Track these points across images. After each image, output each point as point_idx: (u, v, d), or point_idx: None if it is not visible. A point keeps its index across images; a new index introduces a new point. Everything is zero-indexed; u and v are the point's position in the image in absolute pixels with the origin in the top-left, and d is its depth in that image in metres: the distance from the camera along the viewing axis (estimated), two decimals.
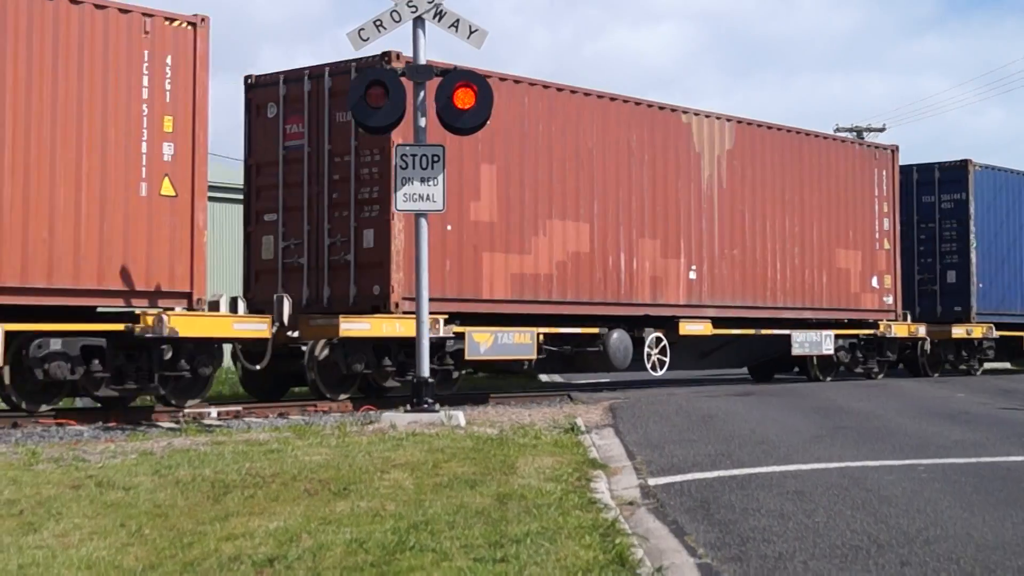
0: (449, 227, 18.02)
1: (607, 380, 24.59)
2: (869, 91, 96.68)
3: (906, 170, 28.64)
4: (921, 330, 26.51)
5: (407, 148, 14.06)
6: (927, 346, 27.84)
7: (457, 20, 14.26)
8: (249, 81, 18.99)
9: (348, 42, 14.40)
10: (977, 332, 27.89)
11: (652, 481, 9.30)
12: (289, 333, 17.25)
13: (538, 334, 19.18)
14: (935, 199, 28.30)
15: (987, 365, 30.50)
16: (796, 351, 23.55)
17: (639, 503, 8.35)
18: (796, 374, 26.01)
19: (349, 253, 17.77)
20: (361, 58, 17.69)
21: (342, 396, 17.71)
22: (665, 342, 21.23)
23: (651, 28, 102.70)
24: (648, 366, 20.94)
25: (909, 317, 26.98)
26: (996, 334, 28.35)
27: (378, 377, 17.87)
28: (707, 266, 21.92)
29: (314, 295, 18.09)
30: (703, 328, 21.75)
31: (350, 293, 17.76)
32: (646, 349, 20.91)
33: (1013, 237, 29.13)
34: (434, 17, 14.22)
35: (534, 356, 19.13)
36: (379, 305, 17.41)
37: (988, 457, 10.65)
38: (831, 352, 24.28)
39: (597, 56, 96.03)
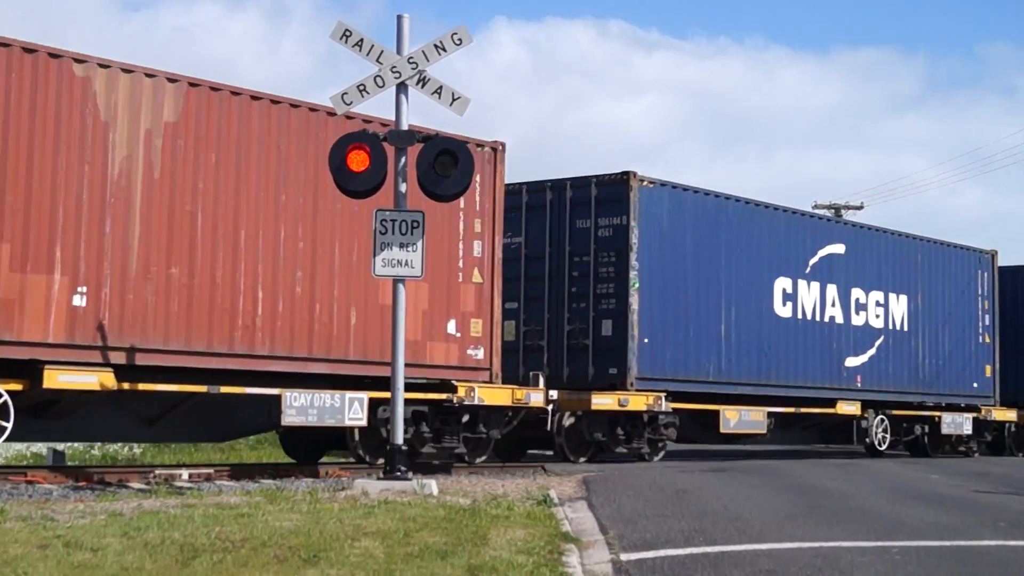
0: None
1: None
2: (849, 168, 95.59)
3: (559, 185, 21.74)
4: (535, 397, 19.33)
5: (387, 213, 13.95)
6: (564, 421, 20.73)
7: (440, 87, 14.20)
8: None
9: (331, 104, 14.40)
10: (638, 403, 20.71)
11: (624, 556, 9.44)
12: None
13: None
14: (591, 224, 21.29)
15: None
16: (290, 419, 16.31)
17: None
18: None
19: None
20: None
21: None
22: (7, 399, 14.04)
23: (633, 100, 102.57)
24: None
25: (541, 380, 19.91)
26: (669, 406, 21.20)
27: None
28: (114, 288, 14.80)
29: None
30: (96, 380, 14.57)
31: None
32: None
33: (702, 277, 22.04)
34: (417, 83, 14.18)
35: None
36: None
37: (962, 540, 10.85)
38: (361, 423, 17.09)
39: (579, 126, 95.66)
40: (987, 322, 29.19)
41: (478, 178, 18.66)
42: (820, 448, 28.33)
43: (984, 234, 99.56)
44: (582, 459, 20.83)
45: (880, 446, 26.02)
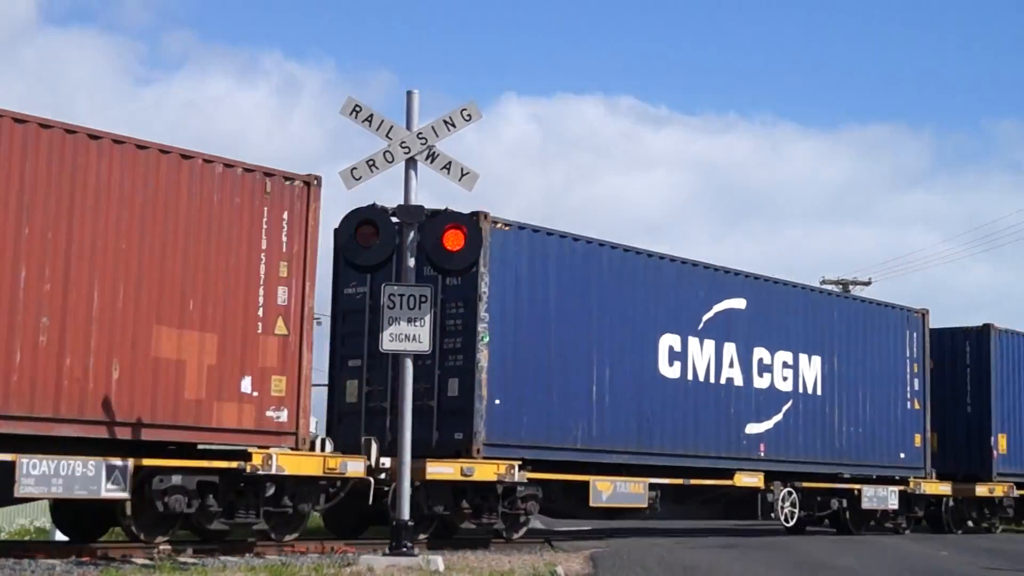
0: None
1: (589, 528, 22.52)
2: (857, 244, 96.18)
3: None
4: (353, 466, 16.87)
5: (395, 288, 14.03)
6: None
7: (449, 162, 14.26)
8: None
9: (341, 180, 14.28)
10: (486, 472, 18.25)
11: None
12: None
13: None
14: None
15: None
16: (27, 490, 13.86)
17: None
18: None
19: None
20: None
21: None
22: None
23: (642, 175, 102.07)
24: None
25: (374, 446, 17.52)
26: (526, 476, 18.74)
27: None
28: None
29: None
30: None
31: None
32: None
33: (568, 332, 19.64)
34: (427, 159, 14.22)
35: None
36: None
37: None
38: (123, 495, 14.65)
39: (588, 201, 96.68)
40: (916, 387, 26.73)
41: (285, 215, 16.48)
42: (724, 525, 25.75)
43: (991, 309, 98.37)
44: (422, 536, 18.32)
45: (787, 522, 23.48)
